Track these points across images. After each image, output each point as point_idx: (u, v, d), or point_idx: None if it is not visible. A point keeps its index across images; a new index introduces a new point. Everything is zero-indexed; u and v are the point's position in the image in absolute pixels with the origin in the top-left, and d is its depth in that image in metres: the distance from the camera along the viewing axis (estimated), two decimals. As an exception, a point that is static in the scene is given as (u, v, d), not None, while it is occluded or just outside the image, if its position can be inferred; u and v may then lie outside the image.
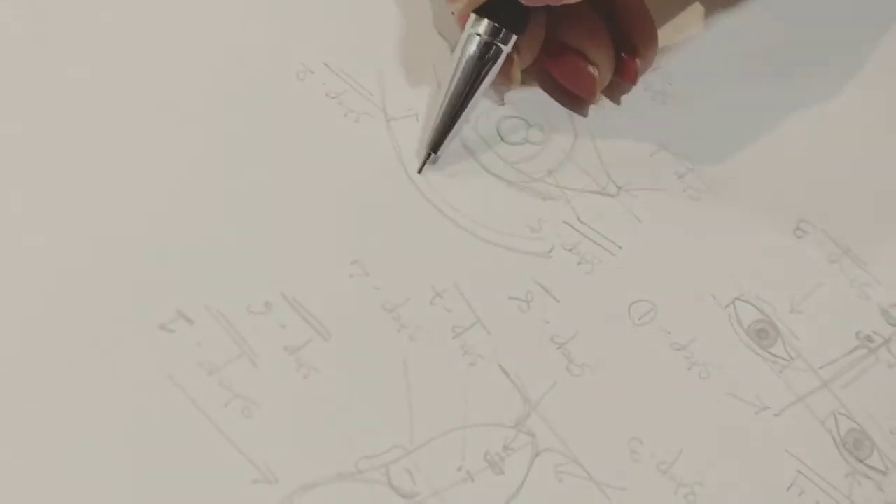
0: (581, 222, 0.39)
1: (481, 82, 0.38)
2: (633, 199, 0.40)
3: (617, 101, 0.42)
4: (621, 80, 0.42)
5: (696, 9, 0.46)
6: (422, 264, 0.36)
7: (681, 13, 0.45)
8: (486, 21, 0.38)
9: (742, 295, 0.38)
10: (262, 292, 0.34)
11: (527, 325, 0.36)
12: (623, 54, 0.41)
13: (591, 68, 0.40)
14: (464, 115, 0.38)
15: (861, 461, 0.36)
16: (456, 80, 0.38)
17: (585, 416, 0.35)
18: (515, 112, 0.41)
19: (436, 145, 0.38)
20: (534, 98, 0.41)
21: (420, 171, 0.38)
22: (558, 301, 0.37)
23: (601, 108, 0.42)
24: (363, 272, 0.36)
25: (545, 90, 0.42)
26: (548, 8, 0.38)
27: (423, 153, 0.38)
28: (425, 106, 0.40)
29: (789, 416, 0.36)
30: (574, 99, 0.41)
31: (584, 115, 0.42)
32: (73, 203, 0.35)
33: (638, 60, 0.41)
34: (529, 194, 0.39)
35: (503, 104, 0.41)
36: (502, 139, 0.40)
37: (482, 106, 0.41)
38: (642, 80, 0.43)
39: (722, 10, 0.46)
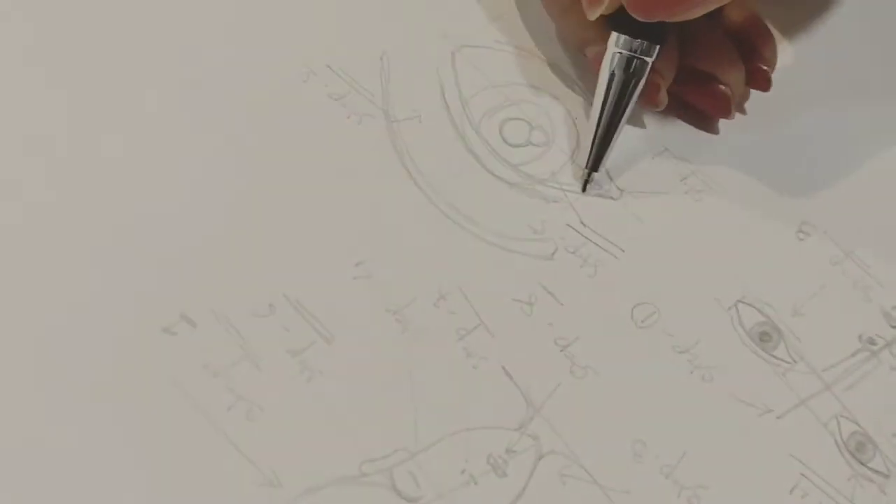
0: (584, 225, 0.39)
1: (630, 97, 0.39)
2: (636, 201, 0.40)
3: (744, 111, 0.43)
4: (755, 88, 0.42)
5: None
6: (425, 266, 0.36)
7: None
8: (624, 37, 0.38)
9: (744, 297, 0.38)
10: (266, 295, 0.34)
11: (530, 328, 0.36)
12: (756, 65, 0.42)
13: (723, 88, 0.41)
14: (617, 132, 0.39)
15: (863, 464, 0.36)
16: (606, 98, 0.39)
17: (589, 418, 0.35)
18: (519, 114, 0.41)
19: (595, 165, 0.39)
20: (537, 100, 0.41)
21: (584, 190, 0.39)
22: (562, 304, 0.37)
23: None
24: (366, 274, 0.36)
25: (677, 114, 0.42)
26: (675, 31, 0.39)
27: (584, 174, 0.39)
28: (428, 108, 0.40)
29: (792, 419, 0.36)
30: (706, 118, 0.42)
31: (716, 132, 0.42)
32: (76, 206, 0.35)
33: (765, 67, 0.42)
34: (532, 196, 0.39)
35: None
36: (505, 141, 0.40)
37: (485, 107, 0.41)
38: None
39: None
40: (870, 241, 0.40)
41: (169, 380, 0.32)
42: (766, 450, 0.35)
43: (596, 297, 0.37)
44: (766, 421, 0.36)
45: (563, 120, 0.41)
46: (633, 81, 0.39)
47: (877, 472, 0.36)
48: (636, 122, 0.42)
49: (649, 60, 0.38)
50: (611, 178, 0.40)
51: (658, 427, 0.35)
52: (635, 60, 0.38)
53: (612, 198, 0.40)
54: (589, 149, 0.39)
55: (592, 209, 0.39)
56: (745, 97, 0.43)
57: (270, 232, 0.36)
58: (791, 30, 0.46)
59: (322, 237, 0.36)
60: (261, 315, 0.34)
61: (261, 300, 0.34)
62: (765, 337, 0.38)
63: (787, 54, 0.45)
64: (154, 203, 0.36)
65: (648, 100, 0.40)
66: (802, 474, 0.35)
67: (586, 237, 0.38)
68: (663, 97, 0.41)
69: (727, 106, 0.41)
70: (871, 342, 0.38)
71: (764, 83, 0.42)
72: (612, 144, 0.39)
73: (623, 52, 0.38)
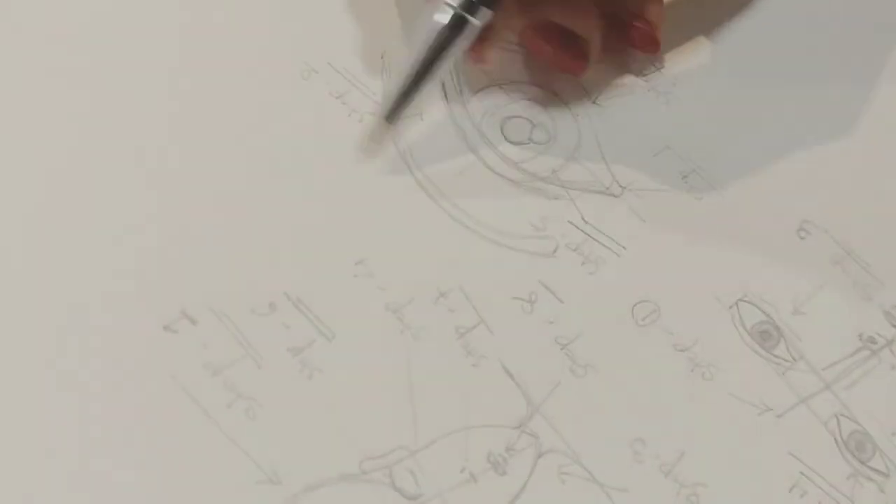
0: (585, 222, 0.39)
1: (446, 55, 0.36)
2: (638, 199, 0.40)
3: (641, 75, 0.43)
4: (637, 49, 0.42)
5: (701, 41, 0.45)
6: (426, 264, 0.36)
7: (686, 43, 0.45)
8: None
9: (745, 296, 0.38)
10: (266, 293, 0.34)
11: (530, 326, 0.36)
12: (635, 24, 0.41)
13: (580, 42, 0.40)
14: (424, 88, 0.36)
15: (863, 463, 0.36)
16: (421, 50, 0.36)
17: (588, 417, 0.35)
18: (520, 112, 0.41)
19: (392, 116, 0.37)
20: (538, 98, 0.41)
21: (376, 141, 0.37)
22: (562, 302, 0.37)
23: (605, 107, 0.42)
24: (367, 272, 0.36)
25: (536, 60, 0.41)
26: None
27: (379, 124, 0.37)
28: (429, 105, 0.40)
29: (792, 418, 0.36)
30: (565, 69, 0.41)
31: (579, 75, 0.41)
32: (78, 204, 0.35)
33: (638, 24, 0.41)
34: (534, 194, 0.39)
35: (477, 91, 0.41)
36: (507, 139, 0.40)
37: (487, 105, 0.41)
38: (646, 80, 0.43)
39: (727, 19, 0.46)
40: (870, 239, 0.40)
41: (169, 377, 0.32)
42: (766, 448, 0.35)
43: (596, 295, 0.37)
44: (766, 419, 0.36)
45: (565, 118, 0.41)
46: (455, 39, 0.36)
47: (876, 470, 0.36)
48: (637, 119, 0.42)
49: (474, 22, 0.36)
50: (612, 176, 0.40)
51: (658, 425, 0.35)
52: (464, 20, 0.36)
53: (613, 195, 0.40)
54: (393, 98, 0.36)
55: (594, 206, 0.39)
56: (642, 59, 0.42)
57: (271, 230, 0.36)
58: (795, 28, 0.46)
59: (323, 235, 0.36)
60: (261, 313, 0.34)
61: (261, 298, 0.34)
62: (765, 335, 0.38)
63: (794, 54, 0.45)
64: (154, 201, 0.36)
65: (474, 54, 0.38)
66: (802, 473, 0.35)
67: (587, 234, 0.38)
68: (489, 55, 0.39)
69: (582, 63, 0.40)
70: (872, 341, 0.38)
71: (644, 41, 0.41)
72: (416, 100, 0.36)
73: (454, 6, 0.36)
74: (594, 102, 0.42)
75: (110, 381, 0.32)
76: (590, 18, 0.40)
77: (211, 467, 0.31)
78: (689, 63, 0.44)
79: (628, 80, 0.43)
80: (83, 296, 0.33)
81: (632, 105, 0.42)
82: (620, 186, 0.40)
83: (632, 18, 0.41)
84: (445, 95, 0.40)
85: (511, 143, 0.40)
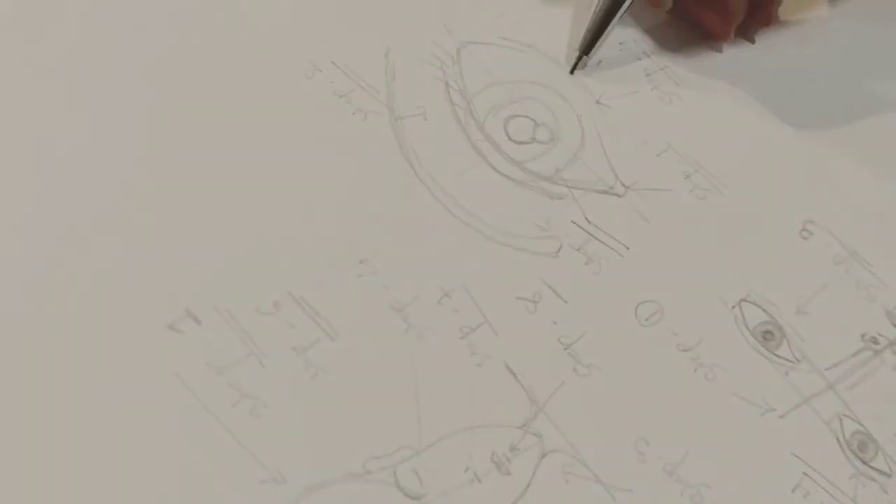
0: (588, 222, 0.39)
1: None
2: (641, 198, 0.40)
3: (752, 39, 0.45)
4: (757, 22, 0.44)
5: None
6: (430, 264, 0.36)
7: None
8: None
9: (748, 296, 0.38)
10: (271, 292, 0.34)
11: (534, 326, 0.36)
12: None
13: (727, 5, 0.42)
14: (615, 19, 0.40)
15: (866, 463, 0.36)
16: None
17: (592, 417, 0.35)
18: (523, 111, 0.41)
19: (587, 48, 0.41)
20: (542, 97, 0.41)
21: (573, 71, 0.41)
22: (566, 302, 0.37)
23: (609, 107, 0.42)
24: (371, 271, 0.36)
25: (678, 27, 0.44)
26: None
27: (575, 55, 0.41)
28: (433, 104, 0.40)
29: (794, 418, 0.36)
30: (708, 34, 0.43)
31: (719, 50, 0.44)
32: (82, 203, 0.35)
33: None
34: (537, 194, 0.39)
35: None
36: (510, 138, 0.40)
37: (489, 104, 0.41)
38: (649, 80, 0.43)
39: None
40: (873, 240, 0.40)
41: (174, 376, 0.32)
42: (769, 448, 0.35)
43: (600, 294, 0.37)
44: (769, 420, 0.36)
45: (568, 117, 0.41)
46: None
47: (879, 471, 0.36)
48: (640, 118, 0.42)
49: None
50: (616, 175, 0.40)
51: (661, 425, 0.35)
52: None
53: (617, 195, 0.40)
54: (584, 33, 0.41)
55: (597, 206, 0.39)
56: (757, 29, 0.44)
57: (275, 229, 0.36)
58: (797, 27, 0.46)
59: (327, 234, 0.36)
60: (266, 312, 0.34)
61: (266, 297, 0.34)
62: (768, 336, 0.38)
63: (795, 54, 0.45)
64: (158, 200, 0.36)
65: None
66: (805, 473, 0.35)
67: (591, 234, 0.38)
68: None
69: (727, 25, 0.42)
70: (874, 341, 0.38)
71: (766, 17, 0.43)
72: (607, 32, 0.40)
73: None
74: (598, 102, 0.42)
75: (114, 380, 0.32)
76: None
77: (215, 466, 0.31)
78: (689, 58, 0.44)
79: (631, 79, 0.43)
80: (87, 294, 0.33)
81: (635, 104, 0.42)
82: (624, 186, 0.40)
83: None
84: (449, 95, 0.40)
85: (514, 142, 0.40)
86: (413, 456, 0.33)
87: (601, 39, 0.41)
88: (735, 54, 0.45)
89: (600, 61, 0.43)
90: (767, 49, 0.45)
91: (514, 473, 0.33)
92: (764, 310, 0.38)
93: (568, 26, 0.43)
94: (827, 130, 0.43)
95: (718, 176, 0.41)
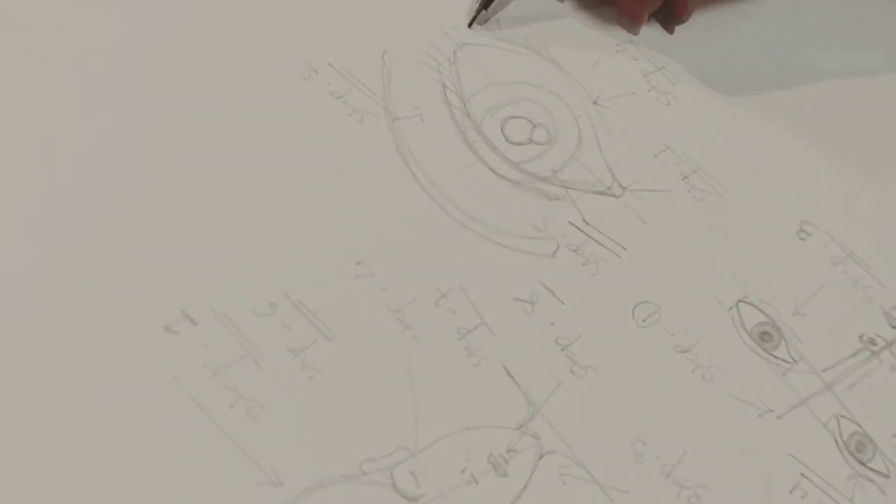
0: (586, 223, 0.39)
1: None
2: (638, 199, 0.40)
3: (670, 30, 0.44)
4: (674, 13, 0.44)
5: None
6: (427, 265, 0.36)
7: None
8: None
9: (746, 297, 0.38)
10: (267, 293, 0.34)
11: (531, 327, 0.36)
12: None
13: None
14: None
15: (863, 464, 0.36)
16: None
17: (589, 418, 0.35)
18: (520, 112, 0.41)
19: (487, 2, 0.41)
20: (539, 97, 0.41)
21: (471, 25, 0.41)
22: (563, 303, 0.37)
23: (606, 108, 0.42)
24: (368, 273, 0.36)
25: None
26: None
27: (475, 7, 0.41)
28: (430, 106, 0.40)
29: (792, 419, 0.36)
30: (623, 15, 0.44)
31: (635, 33, 0.44)
32: (78, 204, 0.35)
33: None
34: (534, 195, 0.39)
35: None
36: (507, 139, 0.40)
37: (487, 105, 0.41)
38: (647, 80, 0.43)
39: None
40: (871, 241, 0.40)
41: (170, 378, 0.32)
42: (766, 449, 0.35)
43: (597, 296, 0.37)
44: (767, 421, 0.36)
45: (566, 118, 0.41)
46: None
47: (877, 472, 0.36)
48: (638, 119, 0.42)
49: None
50: (613, 176, 0.40)
51: (658, 427, 0.35)
52: None
53: (614, 196, 0.40)
54: None
55: (595, 207, 0.39)
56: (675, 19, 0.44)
57: (272, 231, 0.36)
58: (794, 28, 0.46)
59: (323, 236, 0.36)
60: (262, 313, 0.34)
61: (262, 299, 0.34)
62: (765, 337, 0.38)
63: (794, 54, 0.45)
64: (154, 201, 0.36)
65: None
66: (802, 474, 0.35)
67: (588, 235, 0.38)
68: None
69: (640, 9, 0.43)
70: (872, 342, 0.38)
71: (680, 9, 0.44)
72: None
73: None
74: (595, 103, 0.42)
75: (110, 382, 0.32)
76: None
77: (211, 468, 0.31)
78: (689, 57, 0.44)
79: (629, 80, 0.43)
80: (84, 295, 0.33)
81: (632, 105, 0.42)
82: (621, 187, 0.40)
83: None
84: (446, 96, 0.40)
85: (512, 143, 0.40)
86: (410, 457, 0.33)
87: None
88: (734, 53, 0.45)
89: (498, 19, 0.43)
90: (766, 48, 0.45)
91: (512, 475, 0.33)
92: (761, 311, 0.38)
93: (571, 25, 0.43)
94: (825, 131, 0.43)
95: (716, 177, 0.41)
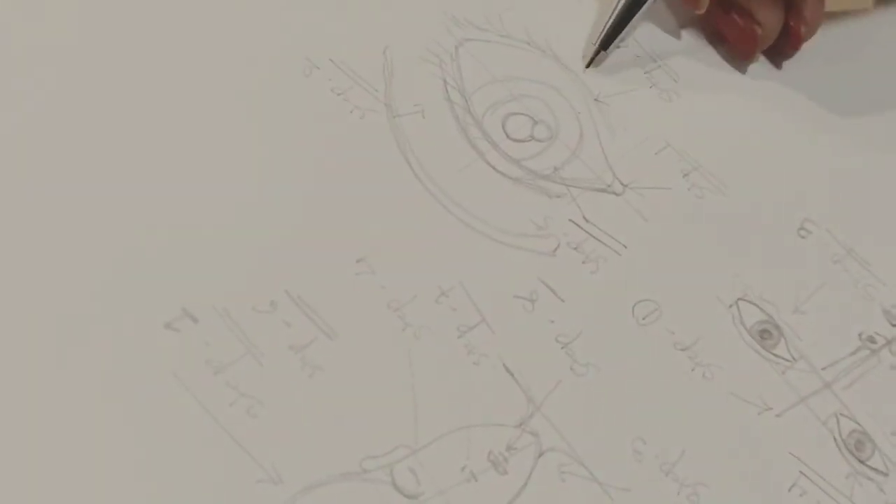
0: (586, 220, 0.39)
1: None
2: (639, 197, 0.40)
3: (778, 65, 0.44)
4: (785, 45, 0.43)
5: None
6: (427, 263, 0.36)
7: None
8: None
9: (745, 295, 0.38)
10: (268, 291, 0.34)
11: (531, 325, 0.36)
12: (790, 21, 0.42)
13: (755, 27, 0.42)
14: (638, 14, 0.40)
15: (862, 462, 0.36)
16: None
17: (589, 415, 0.35)
18: (521, 109, 0.41)
19: (606, 43, 0.41)
20: (541, 94, 0.41)
21: (588, 66, 0.41)
22: (563, 300, 0.37)
23: (607, 105, 0.42)
24: (369, 270, 0.36)
25: (714, 35, 0.44)
26: None
27: (593, 49, 0.41)
28: (431, 102, 0.40)
29: (791, 417, 0.36)
30: (735, 51, 0.43)
31: (743, 72, 0.44)
32: (78, 201, 0.35)
33: (803, 28, 0.42)
34: (535, 192, 0.39)
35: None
36: (508, 136, 0.40)
37: (488, 102, 0.41)
38: (648, 78, 0.43)
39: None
40: (871, 238, 0.40)
41: (171, 375, 0.32)
42: (766, 448, 0.35)
43: (597, 293, 0.37)
44: (766, 419, 0.36)
45: (567, 115, 0.41)
46: None
47: (876, 470, 0.36)
48: (639, 116, 0.42)
49: None
50: (614, 174, 0.40)
51: (658, 425, 0.35)
52: None
53: (615, 193, 0.40)
54: (605, 27, 0.41)
55: (595, 204, 0.39)
56: (785, 53, 0.44)
57: (272, 227, 0.36)
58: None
59: (324, 233, 0.36)
60: (263, 311, 0.34)
61: (263, 296, 0.34)
62: (765, 335, 0.38)
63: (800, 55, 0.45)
64: (155, 199, 0.36)
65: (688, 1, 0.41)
66: (801, 472, 0.35)
67: (588, 233, 0.38)
68: (702, 2, 0.41)
69: (753, 45, 0.42)
70: (872, 340, 0.38)
71: (794, 40, 0.43)
72: (629, 28, 0.41)
73: None
74: (596, 100, 0.42)
75: (111, 379, 0.32)
76: (771, 7, 0.42)
77: (212, 466, 0.31)
78: (689, 56, 0.44)
79: (630, 77, 0.43)
80: (84, 293, 0.33)
81: (633, 102, 0.42)
82: (622, 184, 0.40)
83: (796, 19, 0.43)
84: (447, 93, 0.40)
85: (513, 140, 0.40)
86: (410, 455, 0.33)
87: (622, 34, 0.41)
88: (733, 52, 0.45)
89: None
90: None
91: (511, 472, 0.33)
92: (761, 309, 0.38)
93: (572, 22, 0.43)
94: (826, 129, 0.43)
95: (717, 174, 0.41)
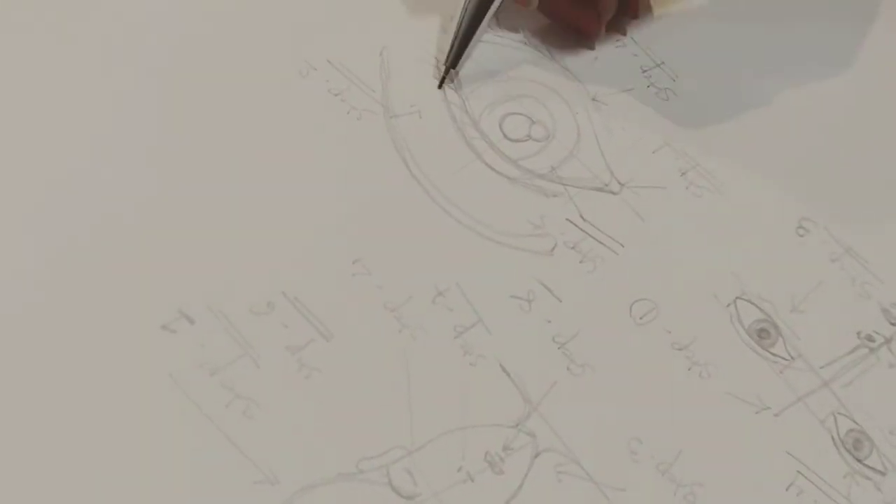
0: (584, 220, 0.39)
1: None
2: (636, 196, 0.40)
3: (623, 31, 0.44)
4: (626, 13, 0.44)
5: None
6: (424, 263, 0.36)
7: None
8: None
9: (743, 294, 0.38)
10: (264, 292, 0.34)
11: (528, 325, 0.36)
12: None
13: (593, 6, 0.42)
14: (478, 32, 0.40)
15: (860, 461, 0.36)
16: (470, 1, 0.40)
17: (585, 416, 0.35)
18: (519, 109, 0.41)
19: (454, 61, 0.40)
20: (538, 94, 0.41)
21: (440, 86, 0.40)
22: (560, 300, 0.37)
23: (604, 104, 0.42)
24: (365, 271, 0.36)
25: (553, 20, 0.43)
26: None
27: (444, 70, 0.40)
28: (428, 103, 0.40)
29: (789, 416, 0.36)
30: (581, 34, 0.43)
31: (592, 48, 0.43)
32: (75, 203, 0.35)
33: None
34: (532, 191, 0.39)
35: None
36: (505, 136, 0.40)
37: (487, 99, 0.41)
38: (646, 76, 0.43)
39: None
40: (869, 237, 0.40)
41: (167, 376, 0.32)
42: (763, 447, 0.35)
43: (594, 293, 0.37)
44: (764, 418, 0.36)
45: (564, 115, 0.41)
46: None
47: (873, 469, 0.36)
48: (636, 115, 0.42)
49: None
50: (611, 173, 0.40)
51: (655, 424, 0.35)
52: None
53: (612, 192, 0.40)
54: (451, 46, 0.40)
55: (592, 204, 0.39)
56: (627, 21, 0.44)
57: (269, 229, 0.36)
58: (793, 26, 0.46)
59: (321, 234, 0.36)
60: (259, 312, 0.34)
61: (259, 297, 0.34)
62: (763, 334, 0.38)
63: (793, 51, 0.45)
64: (151, 200, 0.36)
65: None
66: (799, 471, 0.35)
67: (586, 232, 0.38)
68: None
69: (595, 23, 0.43)
70: (870, 339, 0.38)
71: (633, 6, 0.44)
72: (471, 43, 0.40)
73: None
74: (593, 99, 0.42)
75: (107, 381, 0.32)
76: None
77: (208, 467, 0.31)
78: (688, 55, 0.44)
79: (627, 76, 0.43)
80: (81, 294, 0.33)
81: (630, 102, 0.42)
82: (619, 183, 0.40)
83: None
84: (444, 92, 0.40)
85: (510, 140, 0.40)
86: (406, 456, 0.33)
87: (468, 50, 0.41)
88: (733, 51, 0.44)
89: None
90: (766, 44, 0.45)
91: (508, 473, 0.33)
92: (759, 308, 0.38)
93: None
94: (823, 128, 0.43)
95: (714, 173, 0.41)
